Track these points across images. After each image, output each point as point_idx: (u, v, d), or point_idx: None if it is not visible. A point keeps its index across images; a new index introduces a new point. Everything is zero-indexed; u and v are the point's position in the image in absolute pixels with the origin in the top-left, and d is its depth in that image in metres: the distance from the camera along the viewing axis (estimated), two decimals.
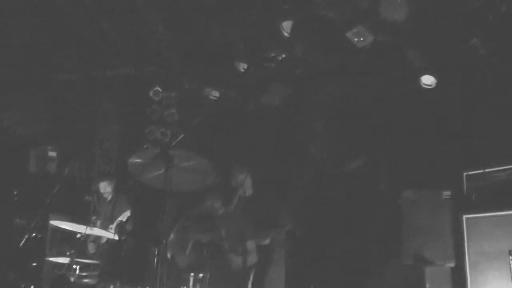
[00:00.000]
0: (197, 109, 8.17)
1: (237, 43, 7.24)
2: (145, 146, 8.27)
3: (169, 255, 5.61)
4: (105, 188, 7.23)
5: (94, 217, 7.12)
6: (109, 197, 7.26)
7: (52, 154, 7.93)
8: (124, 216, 6.67)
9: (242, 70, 7.31)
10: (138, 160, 4.78)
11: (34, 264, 6.91)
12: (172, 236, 5.84)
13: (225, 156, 6.77)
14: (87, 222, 5.94)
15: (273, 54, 7.16)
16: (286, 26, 6.72)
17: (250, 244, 6.25)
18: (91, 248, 6.53)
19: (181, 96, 8.50)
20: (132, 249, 5.36)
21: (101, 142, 8.81)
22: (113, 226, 6.53)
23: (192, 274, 5.49)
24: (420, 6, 6.09)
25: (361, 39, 6.65)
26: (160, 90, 8.57)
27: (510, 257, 5.15)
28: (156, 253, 4.90)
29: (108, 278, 5.18)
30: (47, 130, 8.37)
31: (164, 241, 4.81)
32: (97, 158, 8.67)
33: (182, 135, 4.24)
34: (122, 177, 7.31)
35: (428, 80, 6.97)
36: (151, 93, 8.54)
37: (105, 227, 6.49)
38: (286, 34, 6.74)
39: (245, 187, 6.32)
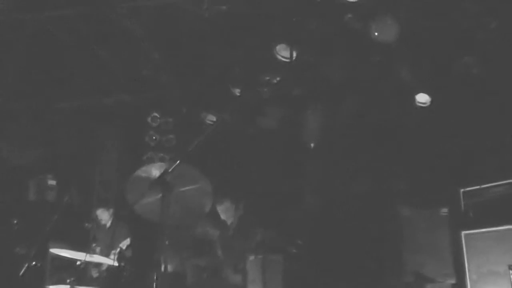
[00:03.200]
0: (194, 134, 8.22)
1: (232, 67, 7.33)
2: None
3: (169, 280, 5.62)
4: (103, 215, 7.26)
5: (94, 244, 7.11)
6: (108, 224, 7.28)
7: (52, 182, 7.96)
8: (125, 244, 6.68)
9: (238, 94, 7.38)
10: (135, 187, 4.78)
11: None
12: (171, 261, 5.85)
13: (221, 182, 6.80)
14: (86, 249, 5.94)
15: (267, 78, 7.25)
16: (280, 50, 6.83)
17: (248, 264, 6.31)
18: (91, 274, 6.52)
19: (178, 121, 8.57)
20: (132, 275, 5.36)
21: (100, 169, 8.85)
22: (114, 253, 6.54)
23: None
24: (410, 26, 6.17)
25: None
26: (158, 116, 8.64)
27: (510, 271, 5.14)
28: (155, 278, 4.88)
29: None
30: (46, 159, 8.40)
31: (162, 266, 4.81)
32: (96, 185, 8.69)
33: (179, 161, 4.22)
34: (121, 205, 7.34)
35: (422, 98, 7.04)
36: (148, 119, 8.62)
37: (105, 254, 6.49)
38: (280, 58, 6.84)
39: (228, 215, 6.40)
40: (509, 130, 6.20)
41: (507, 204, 5.45)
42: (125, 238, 6.94)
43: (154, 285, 4.44)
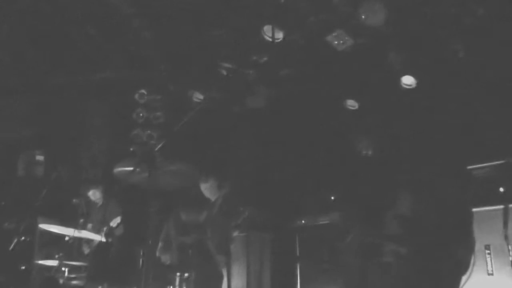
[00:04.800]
0: (181, 112, 8.27)
1: (221, 47, 7.36)
2: (131, 149, 8.38)
3: (155, 256, 5.75)
4: (94, 194, 7.32)
5: (82, 220, 7.19)
6: (100, 202, 7.36)
7: (40, 158, 8.00)
8: (115, 221, 6.76)
9: (227, 74, 7.43)
10: (123, 168, 4.88)
11: (23, 267, 6.99)
12: (157, 237, 5.96)
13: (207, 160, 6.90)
14: (75, 225, 6.02)
15: (254, 58, 7.31)
16: (267, 30, 6.88)
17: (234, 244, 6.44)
18: (80, 250, 6.62)
19: (166, 99, 8.60)
20: (119, 251, 5.47)
21: (88, 146, 8.89)
22: (104, 229, 6.63)
23: (178, 274, 5.62)
24: (399, 10, 6.24)
25: (341, 42, 6.82)
26: (145, 93, 8.66)
27: (487, 251, 5.31)
28: (142, 254, 5.01)
29: (96, 280, 5.28)
30: (34, 135, 8.43)
31: (150, 243, 4.94)
32: (84, 161, 8.74)
33: (164, 141, 4.31)
34: (110, 181, 7.41)
35: (408, 80, 7.14)
36: (136, 96, 8.63)
37: (97, 231, 6.57)
38: (267, 38, 6.89)
39: (212, 193, 6.50)
40: (492, 114, 6.33)
41: (487, 187, 5.58)
42: (117, 215, 7.02)
43: (140, 261, 4.59)
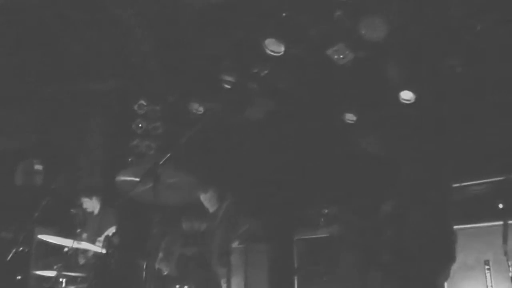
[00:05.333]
0: (181, 123, 8.30)
1: (222, 59, 7.41)
2: (129, 160, 8.38)
3: (155, 268, 5.73)
4: (91, 203, 7.31)
5: (79, 230, 7.16)
6: (96, 211, 7.34)
7: (39, 167, 7.97)
8: (111, 230, 6.74)
9: (227, 86, 7.48)
10: (126, 178, 4.90)
11: (19, 277, 6.95)
12: (158, 249, 5.96)
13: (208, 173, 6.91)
14: (73, 235, 6.00)
15: (256, 70, 7.36)
16: (269, 44, 6.93)
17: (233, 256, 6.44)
18: (78, 261, 6.60)
19: (165, 110, 8.61)
20: (120, 262, 5.46)
21: (87, 155, 8.87)
22: (101, 239, 6.61)
23: (177, 286, 5.62)
24: (399, 25, 6.31)
25: (341, 56, 6.87)
26: (145, 103, 8.67)
27: (486, 267, 5.36)
28: (145, 266, 4.99)
29: None
30: (33, 143, 8.40)
31: (151, 254, 4.94)
32: (83, 171, 8.72)
33: (169, 154, 4.34)
34: (109, 191, 7.40)
35: (407, 95, 7.20)
36: (135, 107, 8.64)
37: (92, 241, 6.57)
38: (268, 51, 6.93)
39: (211, 204, 6.51)
40: (491, 130, 6.39)
41: (486, 202, 5.63)
42: (112, 225, 7.01)
43: (144, 273, 4.59)
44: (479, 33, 6.23)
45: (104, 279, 5.39)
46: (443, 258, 4.33)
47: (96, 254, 6.26)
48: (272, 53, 6.90)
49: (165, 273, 5.97)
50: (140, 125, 8.53)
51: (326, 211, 7.22)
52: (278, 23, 6.73)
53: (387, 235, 4.90)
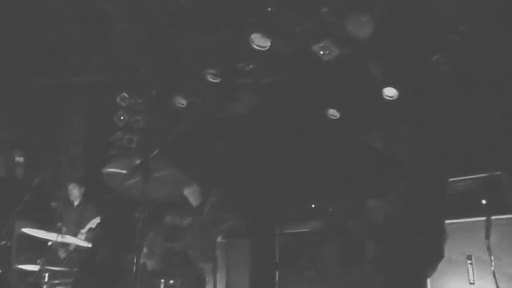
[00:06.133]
0: (164, 117, 8.25)
1: (207, 53, 7.38)
2: (111, 153, 8.30)
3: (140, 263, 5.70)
4: (72, 191, 7.23)
5: (59, 224, 7.09)
6: (76, 202, 7.26)
7: (19, 159, 7.84)
8: (93, 223, 6.68)
9: (212, 80, 7.46)
10: (114, 170, 4.84)
11: (0, 271, 6.85)
12: (144, 244, 5.93)
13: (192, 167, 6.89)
14: (54, 229, 5.93)
15: (241, 65, 7.35)
16: (255, 38, 6.92)
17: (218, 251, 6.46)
18: (60, 255, 6.53)
19: (148, 103, 8.55)
20: (104, 257, 5.42)
21: (68, 148, 8.77)
22: (83, 233, 6.55)
23: (162, 280, 5.60)
24: (385, 23, 6.36)
25: (327, 52, 6.91)
26: (127, 96, 8.58)
27: (469, 262, 5.45)
28: (131, 261, 4.96)
29: (81, 286, 5.21)
30: (14, 136, 8.27)
31: (136, 249, 4.90)
32: (64, 164, 8.62)
33: (159, 148, 4.32)
34: (90, 184, 7.34)
35: (390, 92, 7.27)
36: (117, 99, 8.54)
37: (72, 234, 6.49)
38: (254, 46, 6.93)
39: (194, 197, 6.52)
40: (475, 127, 6.49)
41: (470, 198, 5.72)
42: (93, 219, 6.95)
43: (134, 268, 4.56)
44: (463, 32, 6.33)
45: (88, 273, 5.33)
46: (432, 254, 4.39)
47: (78, 248, 6.20)
48: (258, 48, 6.88)
49: (150, 268, 5.95)
50: (122, 117, 8.45)
51: (313, 205, 7.25)
52: (264, 18, 6.72)
53: (374, 230, 4.96)
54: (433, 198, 4.89)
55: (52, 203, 7.52)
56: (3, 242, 5.81)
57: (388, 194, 4.83)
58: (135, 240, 4.91)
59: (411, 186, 4.80)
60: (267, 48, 6.91)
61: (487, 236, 5.26)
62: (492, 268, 5.15)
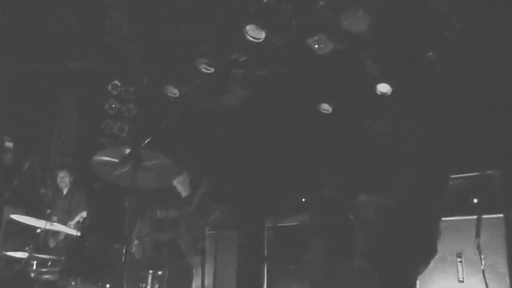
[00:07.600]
0: (154, 105, 8.20)
1: (200, 44, 7.32)
2: (101, 141, 8.25)
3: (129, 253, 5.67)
4: (63, 179, 7.17)
5: (48, 211, 7.03)
6: (65, 190, 7.21)
7: (9, 144, 7.74)
8: (81, 217, 6.64)
9: (205, 71, 7.40)
10: (103, 158, 4.78)
11: None
12: (133, 234, 5.91)
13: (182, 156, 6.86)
14: (43, 216, 5.87)
15: (234, 56, 7.30)
16: (249, 30, 6.87)
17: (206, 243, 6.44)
18: (46, 243, 6.47)
19: (139, 92, 8.49)
20: (93, 246, 5.36)
21: (58, 135, 8.70)
22: (73, 222, 6.50)
23: (151, 271, 5.56)
24: (381, 20, 6.34)
25: (322, 46, 6.87)
26: (119, 84, 8.52)
27: (458, 259, 5.47)
28: (121, 251, 4.94)
29: (69, 275, 5.16)
30: (4, 120, 8.17)
31: (126, 239, 4.87)
32: (54, 150, 8.55)
33: (150, 138, 4.27)
34: (80, 172, 7.29)
35: (383, 88, 7.26)
36: (109, 87, 8.48)
37: (62, 222, 6.45)
38: (249, 38, 6.88)
39: (183, 187, 6.49)
40: (467, 126, 6.50)
41: (460, 197, 5.73)
42: (83, 207, 6.90)
43: (123, 258, 4.52)
44: (459, 30, 6.31)
45: (77, 262, 5.27)
46: (425, 251, 4.38)
47: (67, 237, 6.15)
48: (253, 39, 6.83)
49: (138, 258, 5.93)
50: (113, 105, 8.39)
51: (304, 199, 7.25)
52: (259, 10, 6.66)
53: (364, 225, 4.93)
54: (431, 195, 4.87)
55: (42, 190, 7.47)
56: None
57: (382, 188, 4.80)
58: (124, 229, 4.89)
59: (407, 181, 4.78)
60: (261, 40, 6.87)
61: (478, 235, 5.27)
62: (482, 267, 5.16)
